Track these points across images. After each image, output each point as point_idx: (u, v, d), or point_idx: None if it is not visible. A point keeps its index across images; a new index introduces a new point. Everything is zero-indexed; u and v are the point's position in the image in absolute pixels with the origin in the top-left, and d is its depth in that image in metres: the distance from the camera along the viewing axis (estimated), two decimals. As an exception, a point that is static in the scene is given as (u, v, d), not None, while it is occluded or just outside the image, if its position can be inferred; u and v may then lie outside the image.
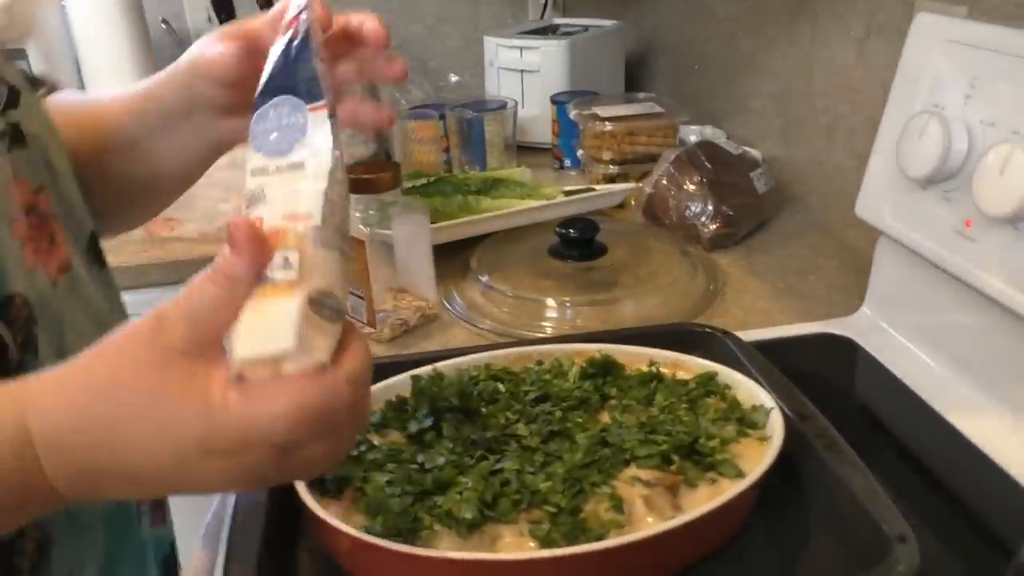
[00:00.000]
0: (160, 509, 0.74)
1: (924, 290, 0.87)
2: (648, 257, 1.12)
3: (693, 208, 1.20)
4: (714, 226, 1.19)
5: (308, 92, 0.48)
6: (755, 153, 1.37)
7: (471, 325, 1.05)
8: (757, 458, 0.64)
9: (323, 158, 0.46)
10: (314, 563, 0.64)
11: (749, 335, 0.95)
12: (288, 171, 0.45)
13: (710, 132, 1.50)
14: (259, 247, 0.41)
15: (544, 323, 1.04)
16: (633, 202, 1.30)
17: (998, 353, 0.78)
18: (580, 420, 0.69)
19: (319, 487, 0.65)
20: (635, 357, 0.79)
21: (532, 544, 0.59)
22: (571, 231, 1.10)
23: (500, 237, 1.21)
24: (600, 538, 0.58)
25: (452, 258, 1.19)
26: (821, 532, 0.65)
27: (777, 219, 1.30)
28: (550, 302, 1.05)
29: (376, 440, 0.69)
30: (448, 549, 0.58)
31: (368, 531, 0.59)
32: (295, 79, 0.48)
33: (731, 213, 1.19)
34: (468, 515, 0.58)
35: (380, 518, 0.60)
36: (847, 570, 0.61)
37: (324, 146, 0.46)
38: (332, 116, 0.47)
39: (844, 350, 0.93)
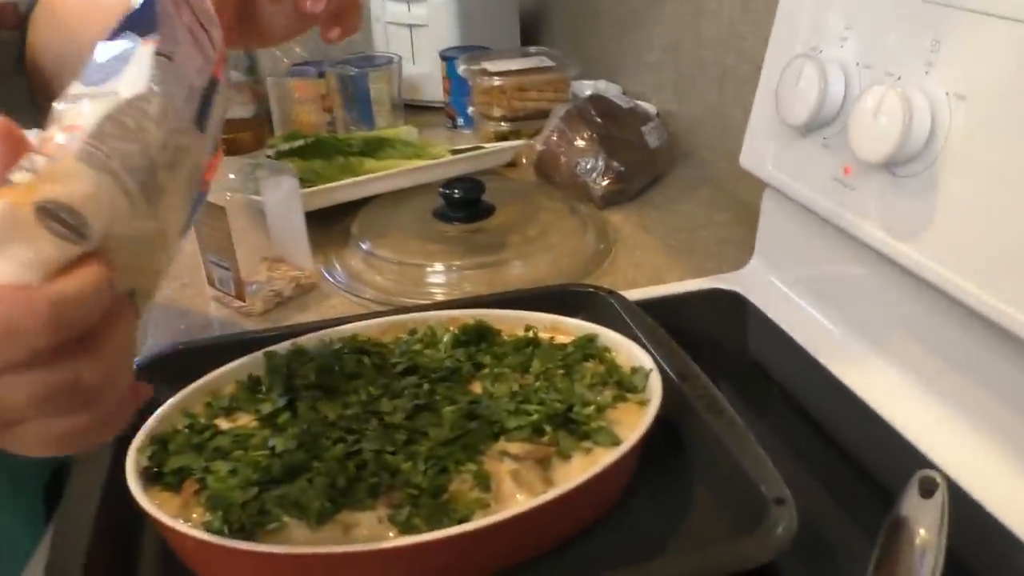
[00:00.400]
0: None
1: (809, 241, 0.85)
2: (537, 217, 1.08)
3: (584, 164, 1.16)
4: (605, 182, 1.15)
5: (146, 26, 0.45)
6: (648, 107, 1.33)
7: (352, 295, 0.99)
8: (636, 424, 0.61)
9: (131, 88, 0.42)
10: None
11: (637, 294, 0.92)
12: (95, 99, 0.41)
13: (604, 87, 1.46)
14: (6, 146, 0.36)
15: (429, 289, 0.98)
16: (524, 160, 1.26)
17: (883, 305, 0.76)
18: (449, 392, 0.64)
19: (155, 478, 0.58)
20: (512, 322, 0.74)
21: (392, 532, 0.54)
22: (455, 191, 1.04)
23: (383, 201, 1.14)
24: (464, 520, 0.54)
25: (333, 225, 1.12)
26: (704, 496, 0.62)
27: (671, 174, 1.27)
28: (434, 267, 1.00)
29: (225, 425, 0.63)
30: (298, 543, 0.53)
31: (208, 528, 0.53)
32: (141, 16, 0.46)
33: (622, 169, 1.15)
34: (316, 504, 0.53)
35: (220, 512, 0.54)
36: (728, 533, 0.58)
37: (137, 78, 0.43)
38: (166, 56, 0.45)
39: (733, 305, 0.91)
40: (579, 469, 0.58)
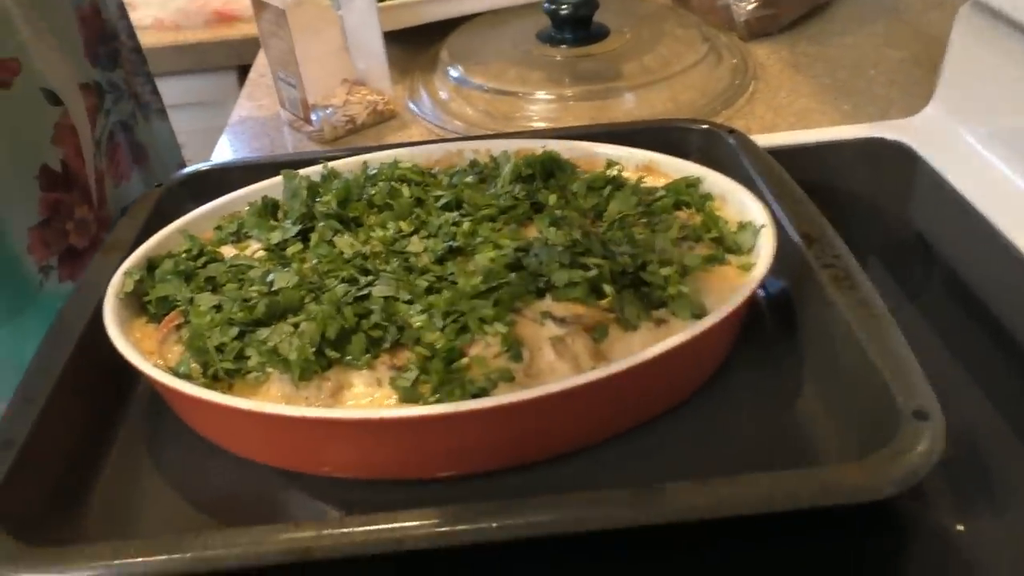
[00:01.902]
0: (67, 264, 0.64)
1: (1016, 81, 0.63)
2: (661, 44, 0.89)
3: (727, -18, 0.94)
4: (752, 6, 0.93)
5: None
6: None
7: (435, 125, 0.86)
8: (732, 293, 0.46)
9: None
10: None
11: (772, 139, 0.74)
12: None
13: None
14: None
15: (524, 123, 0.84)
16: (657, -20, 1.05)
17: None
18: (494, 235, 0.50)
19: (138, 306, 0.49)
20: (594, 156, 0.59)
21: (391, 399, 0.42)
22: (562, 6, 0.87)
23: (480, 22, 0.99)
24: (482, 394, 0.41)
25: (422, 50, 0.98)
26: (815, 398, 0.47)
27: (838, 1, 1.03)
28: (532, 96, 0.85)
29: (227, 253, 0.53)
30: (276, 399, 0.43)
31: (174, 371, 0.44)
32: None
33: (775, -12, 0.93)
34: (298, 354, 0.42)
35: (192, 353, 0.44)
36: (842, 451, 0.43)
37: None
38: None
39: (896, 160, 0.71)
40: (645, 345, 0.43)
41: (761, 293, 0.54)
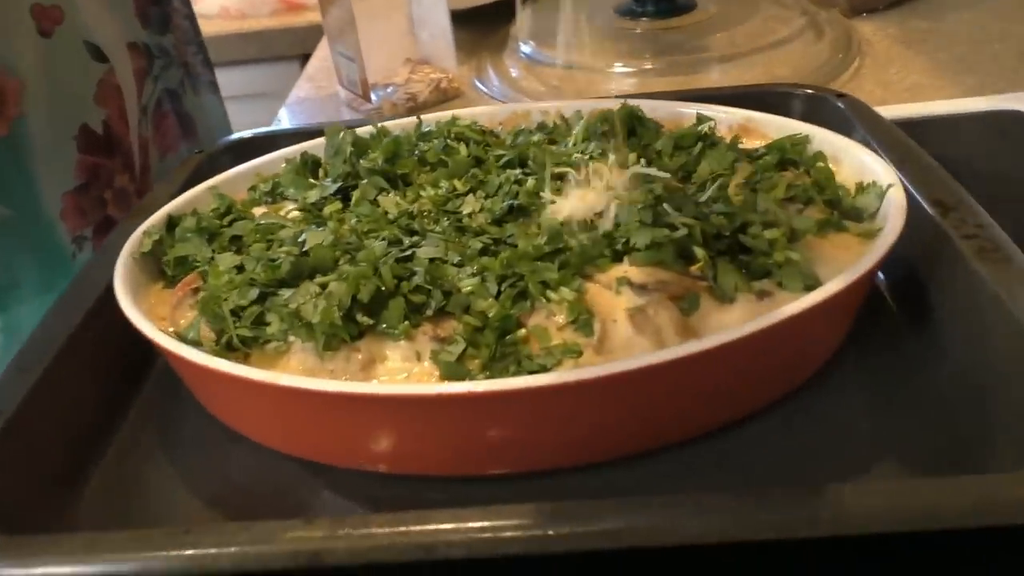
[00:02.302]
0: (103, 236, 0.61)
1: None
2: (754, 16, 0.80)
3: (828, -47, 0.85)
4: (856, -23, 0.84)
5: None
6: None
7: (504, 103, 0.79)
8: (852, 263, 0.37)
9: None
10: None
11: (888, 111, 0.64)
12: None
13: None
14: None
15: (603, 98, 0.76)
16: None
17: None
18: (562, 195, 0.42)
19: (158, 269, 0.44)
20: (679, 115, 0.51)
21: (432, 375, 0.35)
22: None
23: (553, 2, 0.92)
24: (541, 371, 0.34)
25: (493, 29, 0.92)
26: (957, 391, 0.37)
27: (955, -24, 0.93)
28: (610, 69, 0.77)
29: (259, 212, 0.47)
30: (297, 371, 0.36)
31: (182, 337, 0.38)
32: None
33: (884, -42, 0.84)
34: (323, 319, 0.35)
35: (205, 318, 0.38)
36: (986, 458, 0.34)
37: None
38: None
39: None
40: (743, 321, 0.35)
41: (879, 273, 0.45)
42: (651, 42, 0.80)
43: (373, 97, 0.80)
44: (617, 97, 0.54)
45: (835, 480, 0.34)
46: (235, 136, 0.61)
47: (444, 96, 0.82)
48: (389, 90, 0.82)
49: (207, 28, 1.12)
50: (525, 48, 0.84)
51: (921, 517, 0.27)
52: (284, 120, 0.83)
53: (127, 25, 0.66)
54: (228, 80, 0.90)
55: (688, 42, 0.78)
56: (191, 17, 0.78)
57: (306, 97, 0.88)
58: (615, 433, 0.35)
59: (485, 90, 0.83)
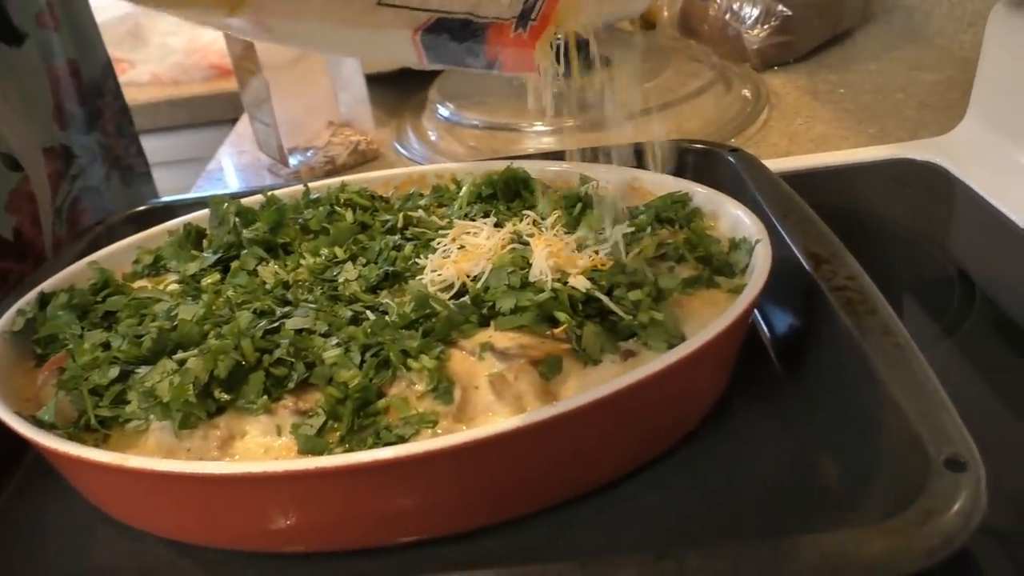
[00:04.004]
0: None
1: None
2: (664, 71, 0.82)
3: (738, 9, 0.88)
4: (763, 33, 0.87)
5: None
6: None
7: (422, 165, 0.80)
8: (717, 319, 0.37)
9: None
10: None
11: (787, 163, 0.66)
12: None
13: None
14: None
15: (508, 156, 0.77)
16: (666, 12, 0.99)
17: None
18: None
19: (28, 346, 0.43)
20: (565, 176, 0.52)
21: (291, 449, 0.34)
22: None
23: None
24: (398, 442, 0.33)
25: (412, 93, 0.93)
26: (826, 446, 0.37)
27: (860, 31, 0.96)
28: (526, 127, 0.78)
29: (138, 285, 0.46)
30: (155, 452, 0.35)
31: (37, 420, 0.37)
32: None
33: (788, 13, 0.86)
34: (177, 397, 0.34)
35: (65, 396, 0.37)
36: (856, 510, 0.34)
37: None
38: None
39: (927, 181, 0.62)
40: (608, 382, 0.35)
41: (764, 325, 0.46)
42: (567, 100, 0.81)
43: (292, 161, 0.81)
44: (511, 158, 0.54)
45: (707, 537, 0.34)
46: (138, 208, 0.61)
47: (363, 158, 0.82)
48: (309, 154, 0.82)
49: (139, 96, 1.12)
50: (443, 111, 0.85)
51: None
52: (233, 182, 0.83)
53: (43, 130, 0.65)
54: (159, 146, 0.90)
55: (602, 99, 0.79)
56: (124, 110, 0.78)
57: (230, 163, 0.89)
58: (481, 500, 0.34)
59: (405, 152, 0.83)
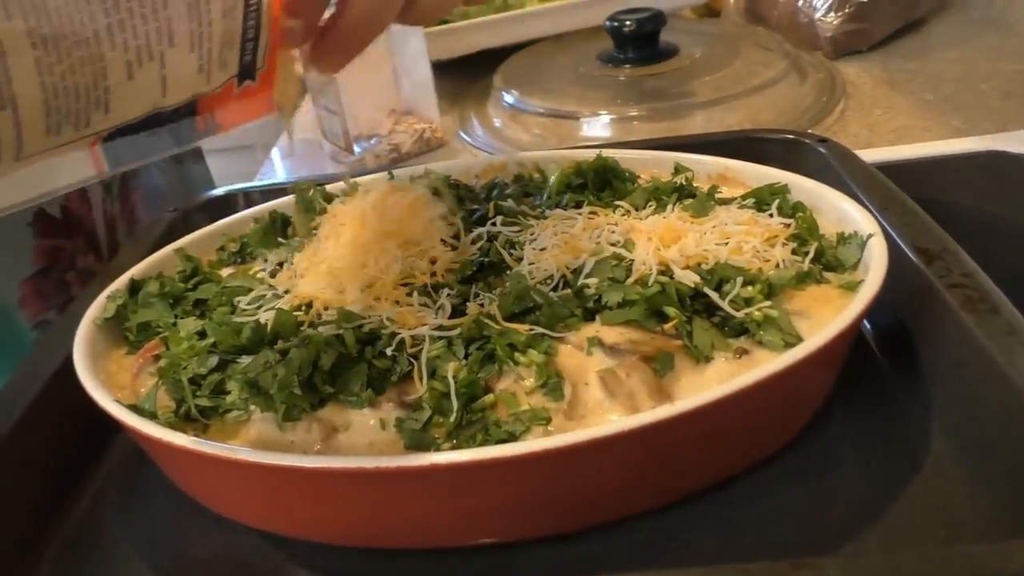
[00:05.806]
0: (38, 299, 0.58)
1: None
2: (736, 61, 0.80)
3: (809, -3, 0.86)
4: (836, 20, 0.84)
5: None
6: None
7: (488, 152, 0.79)
8: (833, 317, 0.36)
9: None
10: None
11: (872, 155, 0.64)
12: None
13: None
14: None
15: (583, 145, 0.76)
16: (732, 0, 0.97)
17: None
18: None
19: (119, 333, 0.42)
20: (656, 164, 0.50)
21: (396, 443, 0.34)
22: (625, 23, 0.80)
23: (536, 50, 0.92)
24: (509, 439, 0.32)
25: (476, 79, 0.92)
26: (946, 452, 0.36)
27: (937, 18, 0.93)
28: (593, 117, 0.77)
29: (226, 272, 0.46)
30: (256, 443, 0.35)
31: (137, 408, 0.36)
32: None
33: (863, 1, 0.84)
34: (281, 389, 0.34)
35: (164, 387, 0.37)
36: (981, 524, 0.32)
37: None
38: None
39: (1019, 173, 0.60)
40: (721, 381, 0.34)
41: (866, 322, 0.44)
42: (634, 89, 0.79)
43: (356, 149, 0.80)
44: (593, 147, 0.53)
45: (820, 546, 0.32)
46: (210, 193, 0.60)
47: (427, 146, 0.81)
48: (372, 142, 0.81)
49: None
50: (508, 97, 0.84)
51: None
52: (278, 172, 0.83)
53: None
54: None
55: (671, 88, 0.77)
56: None
57: (288, 150, 0.88)
58: (588, 501, 0.33)
59: (469, 140, 0.82)
